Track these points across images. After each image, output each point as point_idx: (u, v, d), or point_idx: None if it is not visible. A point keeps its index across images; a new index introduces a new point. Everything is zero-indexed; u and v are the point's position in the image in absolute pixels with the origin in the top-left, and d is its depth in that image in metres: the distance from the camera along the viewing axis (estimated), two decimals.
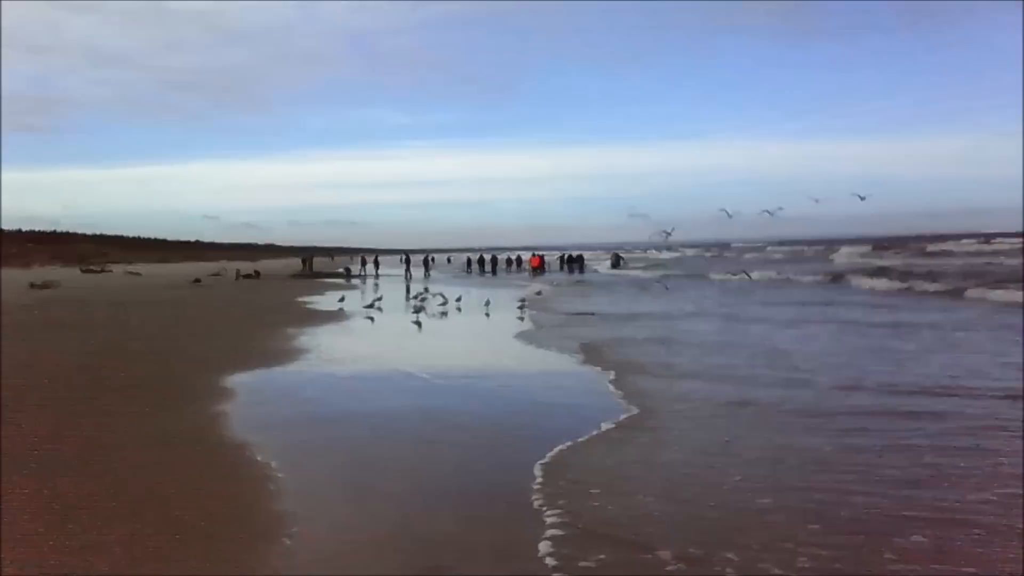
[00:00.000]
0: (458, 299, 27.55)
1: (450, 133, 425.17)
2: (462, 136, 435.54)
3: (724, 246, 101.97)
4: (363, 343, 17.85)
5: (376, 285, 47.15)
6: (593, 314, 23.43)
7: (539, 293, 31.69)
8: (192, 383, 12.02)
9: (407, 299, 27.96)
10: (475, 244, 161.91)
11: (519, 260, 70.44)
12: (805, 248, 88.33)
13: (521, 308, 25.02)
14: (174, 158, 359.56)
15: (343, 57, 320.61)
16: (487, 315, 24.50)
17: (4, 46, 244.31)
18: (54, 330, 19.17)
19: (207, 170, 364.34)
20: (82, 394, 11.01)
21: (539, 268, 59.56)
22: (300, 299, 32.77)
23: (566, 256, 69.05)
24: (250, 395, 11.21)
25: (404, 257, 63.72)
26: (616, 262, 68.05)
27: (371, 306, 25.35)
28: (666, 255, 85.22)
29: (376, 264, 59.44)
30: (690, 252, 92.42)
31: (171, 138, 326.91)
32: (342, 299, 29.38)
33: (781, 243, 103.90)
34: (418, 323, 22.14)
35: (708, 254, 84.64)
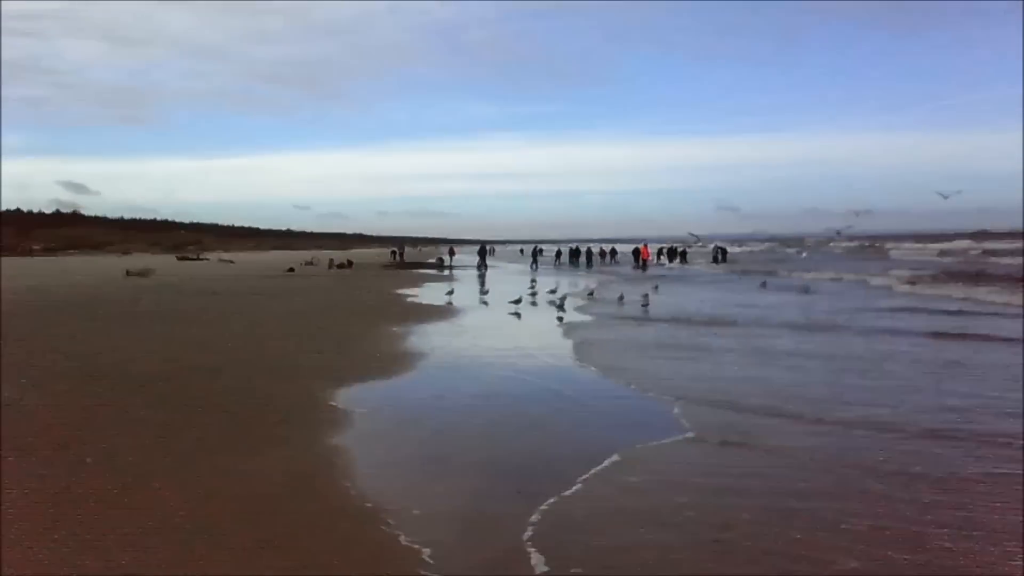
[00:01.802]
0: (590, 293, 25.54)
1: (536, 125, 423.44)
2: (548, 128, 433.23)
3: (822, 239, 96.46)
4: (488, 345, 15.20)
5: (482, 276, 45.07)
6: (736, 322, 20.25)
7: (655, 288, 28.64)
8: (293, 400, 9.64)
9: (528, 294, 25.37)
10: (561, 236, 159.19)
11: (613, 252, 67.86)
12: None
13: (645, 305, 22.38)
14: (265, 149, 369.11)
15: (429, 50, 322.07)
16: (644, 307, 22.08)
17: (102, 40, 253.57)
18: (141, 325, 17.26)
19: (297, 161, 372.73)
20: (155, 419, 8.70)
21: (646, 261, 56.32)
22: (399, 291, 30.64)
23: (667, 248, 65.85)
24: (366, 422, 8.72)
25: (480, 248, 60.35)
26: (716, 256, 64.04)
27: (518, 301, 22.88)
28: (756, 247, 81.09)
29: (482, 254, 56.21)
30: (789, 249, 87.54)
31: (262, 130, 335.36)
32: (451, 292, 27.09)
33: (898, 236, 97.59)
34: (560, 318, 19.84)
35: (795, 249, 79.21)
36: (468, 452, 7.49)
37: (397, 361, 12.91)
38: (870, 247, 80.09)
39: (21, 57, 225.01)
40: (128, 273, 39.85)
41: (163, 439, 7.62)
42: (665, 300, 24.95)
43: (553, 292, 24.73)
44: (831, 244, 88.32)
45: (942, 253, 64.54)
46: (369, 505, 5.91)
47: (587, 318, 20.27)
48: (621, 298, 24.74)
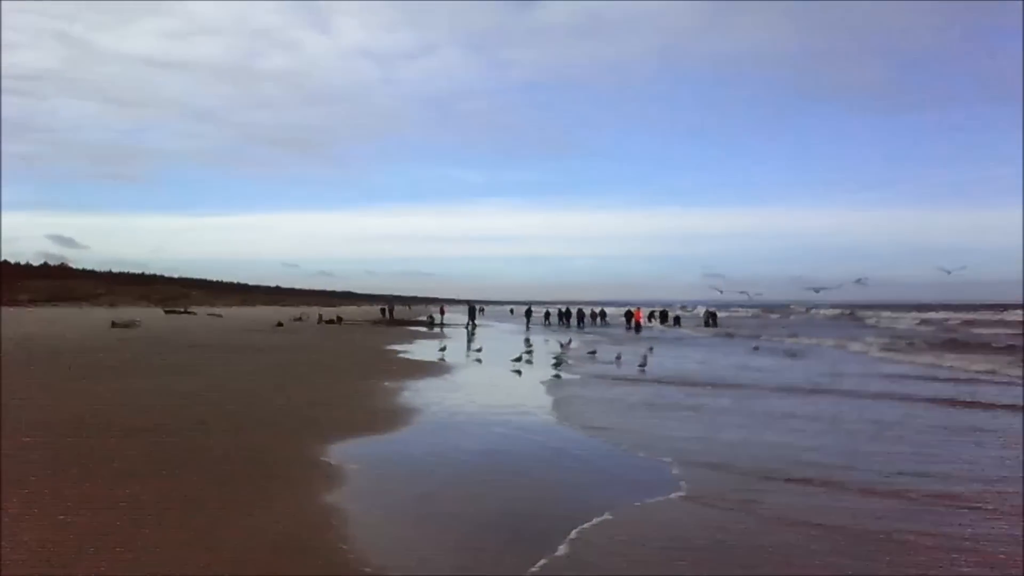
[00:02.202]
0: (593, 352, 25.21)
1: (525, 192, 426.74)
2: (537, 195, 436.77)
3: (813, 307, 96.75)
4: (483, 402, 14.67)
5: (471, 334, 44.61)
6: (734, 384, 19.81)
7: (651, 350, 28.18)
8: (285, 456, 9.09)
9: (525, 352, 25.14)
10: (549, 298, 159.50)
11: (603, 314, 67.84)
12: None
13: (641, 366, 21.97)
14: (255, 209, 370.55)
15: (419, 119, 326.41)
16: (641, 367, 21.65)
17: (96, 100, 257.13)
18: (124, 376, 16.66)
19: (287, 221, 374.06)
20: (136, 474, 8.14)
21: (640, 324, 55.95)
22: (390, 347, 30.11)
23: (659, 312, 65.95)
24: (360, 479, 8.18)
25: (470, 308, 61.05)
26: (708, 320, 64.06)
27: (519, 359, 23.01)
28: (742, 312, 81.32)
29: (471, 313, 56.73)
30: (774, 316, 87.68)
31: (253, 190, 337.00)
32: (443, 349, 26.63)
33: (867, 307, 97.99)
34: (557, 375, 19.38)
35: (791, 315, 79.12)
36: (465, 512, 6.98)
37: (390, 417, 12.37)
38: (849, 315, 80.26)
39: (16, 115, 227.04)
40: (114, 324, 39.22)
41: (141, 501, 7.06)
42: (661, 361, 24.47)
43: (557, 353, 24.33)
44: (811, 312, 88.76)
45: (922, 322, 64.70)
46: (368, 571, 5.38)
47: (582, 377, 19.76)
48: (619, 358, 24.34)
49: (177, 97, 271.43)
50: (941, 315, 74.22)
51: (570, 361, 23.27)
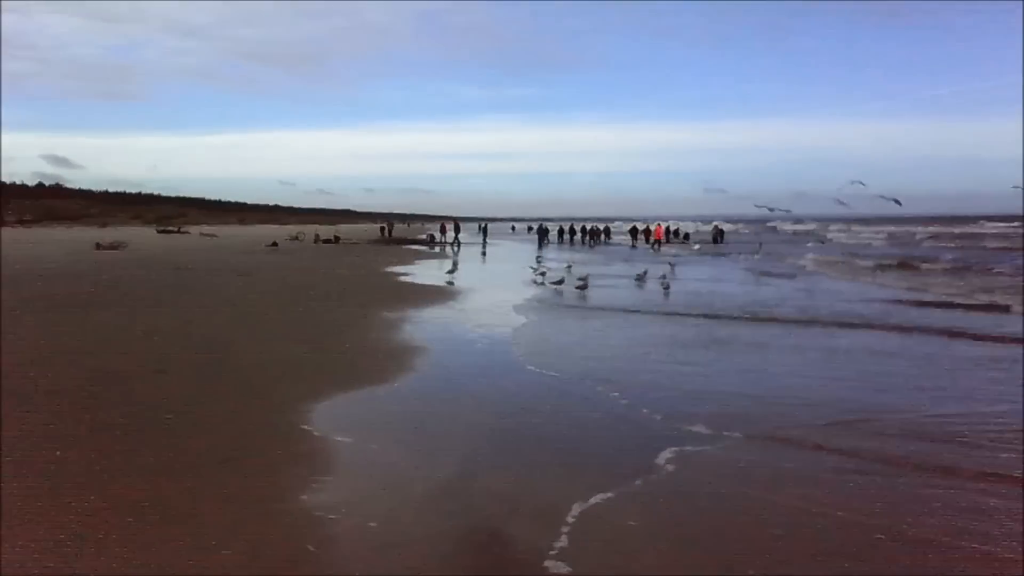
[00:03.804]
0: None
1: (525, 107, 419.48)
2: (536, 110, 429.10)
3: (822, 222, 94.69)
4: (502, 336, 12.67)
5: (484, 254, 42.76)
6: (767, 316, 17.86)
7: (671, 268, 26.15)
8: (255, 422, 7.14)
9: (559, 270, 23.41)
10: (549, 214, 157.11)
11: (607, 231, 66.68)
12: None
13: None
14: (251, 127, 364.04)
15: (415, 32, 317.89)
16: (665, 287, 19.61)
17: (82, 15, 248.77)
18: (89, 307, 14.67)
19: (283, 139, 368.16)
20: (41, 448, 6.20)
21: (661, 239, 54.49)
22: (389, 269, 28.06)
23: (677, 230, 64.28)
24: (350, 459, 6.25)
25: (483, 227, 62.15)
26: (716, 237, 62.36)
27: (560, 281, 21.37)
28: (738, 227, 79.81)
29: (456, 230, 55.33)
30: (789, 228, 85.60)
31: (248, 108, 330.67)
32: (452, 270, 24.57)
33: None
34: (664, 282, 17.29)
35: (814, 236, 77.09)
36: (489, 509, 5.05)
37: (390, 359, 10.40)
38: (815, 231, 78.35)
39: (3, 32, 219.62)
40: (98, 246, 37.13)
41: (45, 496, 5.12)
42: (678, 285, 22.42)
43: (580, 277, 22.28)
44: (776, 228, 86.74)
45: (890, 237, 63.30)
46: None
47: (607, 309, 17.79)
48: (639, 277, 22.86)
49: (165, 11, 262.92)
50: (913, 229, 73.16)
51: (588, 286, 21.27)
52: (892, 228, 77.04)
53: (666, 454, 6.38)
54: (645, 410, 7.81)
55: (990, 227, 73.41)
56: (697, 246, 52.35)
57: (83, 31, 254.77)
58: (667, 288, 20.76)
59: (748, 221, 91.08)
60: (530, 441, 6.82)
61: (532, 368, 9.91)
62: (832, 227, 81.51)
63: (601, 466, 6.12)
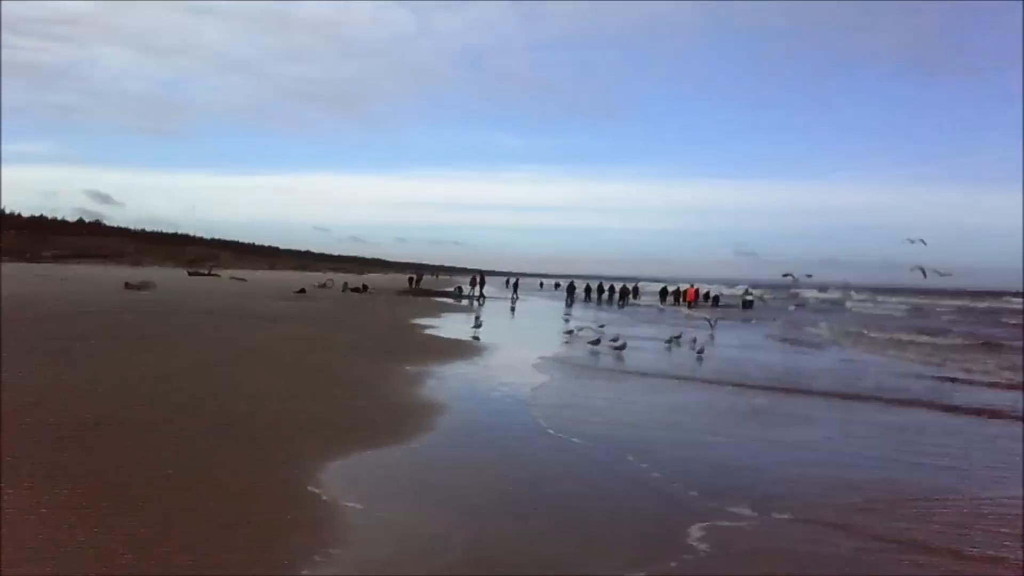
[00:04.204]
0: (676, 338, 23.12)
1: (560, 158, 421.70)
2: (570, 162, 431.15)
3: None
4: (527, 397, 12.14)
5: (513, 309, 42.41)
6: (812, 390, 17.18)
7: (711, 335, 25.44)
8: (259, 480, 6.66)
9: (570, 333, 22.95)
10: (578, 271, 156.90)
11: (636, 290, 66.19)
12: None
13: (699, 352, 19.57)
14: (289, 168, 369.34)
15: (457, 75, 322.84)
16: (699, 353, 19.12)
17: (133, 48, 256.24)
18: (107, 349, 14.39)
19: (320, 182, 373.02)
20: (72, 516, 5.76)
21: (694, 301, 54.40)
22: (415, 321, 27.69)
23: (708, 293, 63.51)
24: (362, 534, 5.72)
25: (513, 282, 62.87)
26: (747, 303, 61.29)
27: (597, 342, 20.69)
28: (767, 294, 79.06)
29: (481, 283, 55.29)
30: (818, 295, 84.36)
31: (286, 148, 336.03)
32: (478, 325, 24.14)
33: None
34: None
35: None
36: None
37: (408, 416, 9.92)
38: (838, 300, 76.88)
39: (56, 63, 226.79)
40: (127, 286, 37.34)
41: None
42: (711, 351, 21.77)
43: (612, 338, 21.74)
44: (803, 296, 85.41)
45: (914, 309, 61.86)
46: None
47: (637, 375, 17.21)
48: (670, 341, 22.42)
49: (212, 45, 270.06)
50: (945, 302, 71.60)
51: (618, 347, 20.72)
52: (918, 300, 75.41)
53: (698, 531, 5.82)
54: (677, 484, 7.22)
55: (1016, 302, 71.80)
56: (737, 312, 51.64)
57: (136, 64, 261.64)
58: (701, 353, 20.11)
59: (775, 287, 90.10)
60: (556, 515, 6.26)
61: (558, 434, 9.37)
62: (856, 296, 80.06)
63: (632, 544, 5.55)
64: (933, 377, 17.69)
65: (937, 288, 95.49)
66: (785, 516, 6.46)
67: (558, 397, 12.49)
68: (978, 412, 12.67)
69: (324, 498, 6.30)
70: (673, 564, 5.25)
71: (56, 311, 20.86)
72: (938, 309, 61.75)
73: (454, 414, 10.34)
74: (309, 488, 6.53)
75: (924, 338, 29.15)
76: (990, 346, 26.51)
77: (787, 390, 14.46)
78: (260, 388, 11.19)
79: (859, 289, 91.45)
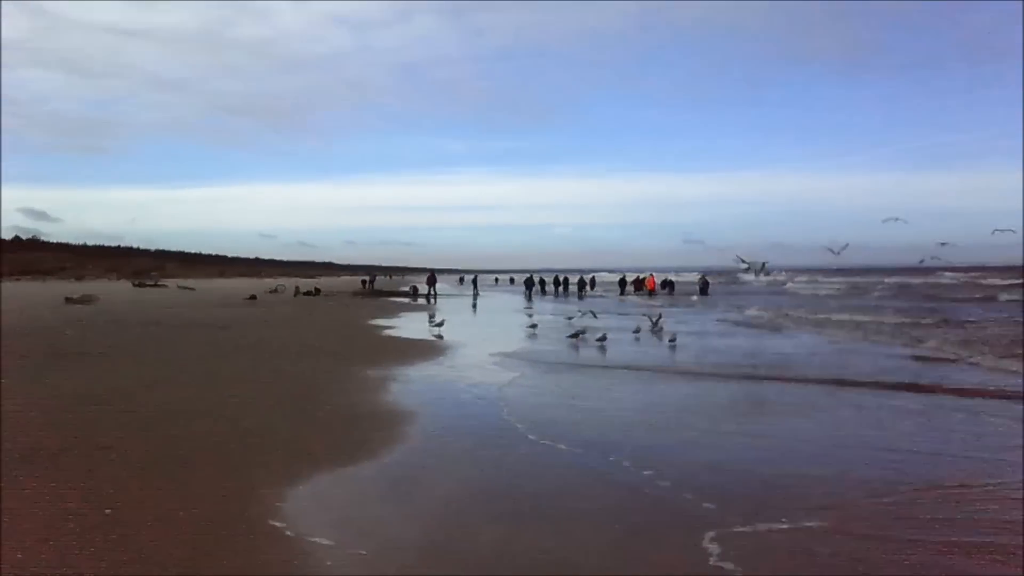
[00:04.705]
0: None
1: (504, 160, 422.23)
2: (516, 163, 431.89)
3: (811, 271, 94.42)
4: (502, 396, 11.33)
5: (474, 306, 41.51)
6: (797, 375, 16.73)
7: (660, 317, 24.85)
8: (220, 509, 5.76)
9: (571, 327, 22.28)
10: (530, 266, 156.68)
11: (592, 281, 66.46)
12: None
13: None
14: (231, 180, 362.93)
15: (396, 87, 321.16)
16: (671, 342, 18.34)
17: (63, 71, 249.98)
18: (36, 369, 13.22)
19: (263, 192, 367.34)
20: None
21: (653, 291, 54.72)
22: (372, 322, 26.72)
23: (665, 280, 63.43)
24: (336, 567, 4.88)
25: (472, 279, 63.58)
26: (704, 287, 61.47)
27: (576, 335, 20.23)
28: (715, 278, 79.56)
29: (432, 282, 54.56)
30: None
31: (229, 161, 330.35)
32: (440, 324, 23.23)
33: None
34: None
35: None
36: None
37: (375, 428, 9.05)
38: (781, 283, 78.15)
39: None
40: (68, 300, 35.55)
41: None
42: (686, 340, 21.23)
43: (581, 330, 21.09)
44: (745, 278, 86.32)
45: (852, 288, 62.85)
46: None
47: (615, 368, 16.53)
48: (637, 331, 21.97)
49: (145, 66, 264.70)
50: (886, 279, 72.84)
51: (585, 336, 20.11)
52: (858, 279, 76.28)
53: (717, 548, 5.10)
54: (688, 494, 6.49)
55: (949, 277, 73.23)
56: (695, 297, 51.53)
57: (64, 86, 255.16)
58: (673, 342, 19.56)
59: (722, 272, 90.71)
60: (558, 540, 5.48)
61: (541, 440, 8.56)
62: (798, 278, 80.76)
63: (653, 570, 4.80)
64: (909, 357, 17.34)
65: (874, 267, 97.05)
66: (822, 524, 5.76)
67: (533, 397, 11.72)
68: (979, 393, 12.17)
69: (288, 533, 5.43)
70: None
71: None
72: (878, 288, 62.32)
73: (424, 422, 9.50)
74: (270, 522, 5.65)
75: (890, 318, 29.04)
76: (949, 323, 26.48)
77: (773, 378, 13.87)
78: (209, 405, 10.20)
79: (801, 271, 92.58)
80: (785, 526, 5.74)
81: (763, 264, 36.46)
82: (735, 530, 5.61)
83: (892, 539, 5.47)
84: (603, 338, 19.32)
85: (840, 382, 13.32)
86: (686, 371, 14.70)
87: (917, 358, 17.07)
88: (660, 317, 23.83)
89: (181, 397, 10.68)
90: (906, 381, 13.36)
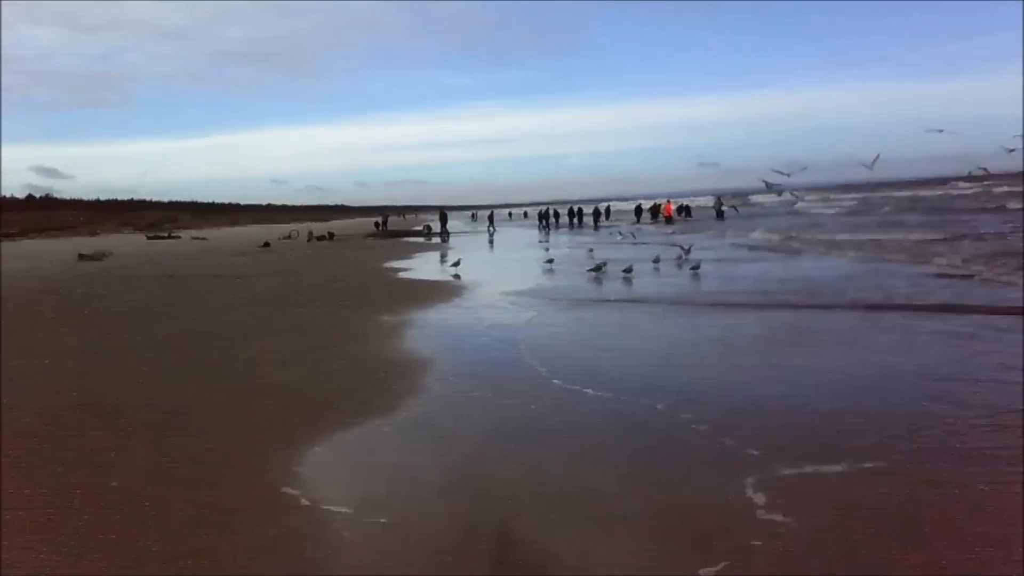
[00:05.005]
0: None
1: (513, 92, 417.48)
2: (525, 94, 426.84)
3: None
4: (528, 338, 10.89)
5: (491, 242, 41.11)
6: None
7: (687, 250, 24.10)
8: (234, 475, 5.40)
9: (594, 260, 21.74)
10: (544, 198, 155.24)
11: (608, 211, 65.52)
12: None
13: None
14: (239, 127, 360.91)
15: (397, 25, 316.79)
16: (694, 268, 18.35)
17: (61, 27, 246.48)
18: (57, 327, 12.93)
19: (272, 138, 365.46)
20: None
21: (671, 217, 54.00)
22: (387, 264, 26.29)
23: (682, 206, 62.55)
24: (356, 539, 4.53)
25: (488, 214, 62.80)
26: (719, 211, 60.65)
27: (598, 268, 19.64)
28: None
29: (444, 220, 54.25)
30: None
31: (235, 109, 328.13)
32: (456, 263, 22.71)
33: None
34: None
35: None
36: None
37: (392, 378, 8.66)
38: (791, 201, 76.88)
39: None
40: (81, 257, 35.33)
41: None
42: (707, 269, 20.64)
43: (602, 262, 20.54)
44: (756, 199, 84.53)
45: (863, 204, 61.60)
46: None
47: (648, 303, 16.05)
48: (656, 261, 21.55)
49: (143, 17, 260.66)
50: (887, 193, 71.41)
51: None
52: (867, 194, 74.68)
53: (761, 497, 4.67)
54: (730, 441, 6.05)
55: (964, 186, 71.66)
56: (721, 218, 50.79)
57: (65, 41, 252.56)
58: (696, 269, 19.05)
59: (737, 194, 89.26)
60: (596, 501, 5.08)
61: (568, 385, 8.13)
62: (809, 197, 79.25)
63: (696, 528, 4.40)
64: (935, 276, 16.73)
65: (888, 180, 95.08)
66: (877, 465, 5.33)
67: (555, 337, 11.30)
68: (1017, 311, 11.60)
69: (304, 502, 5.06)
70: (753, 544, 4.10)
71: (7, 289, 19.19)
72: (889, 203, 61.05)
73: (443, 368, 9.10)
74: (284, 490, 5.29)
75: (907, 235, 28.25)
76: (967, 237, 25.70)
77: (805, 306, 13.35)
78: (221, 360, 9.87)
79: (816, 189, 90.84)
80: (838, 469, 5.31)
81: (788, 176, 35.64)
82: (782, 473, 5.18)
83: (950, 480, 5.03)
84: (629, 270, 18.82)
85: (873, 307, 12.78)
86: (715, 302, 14.18)
87: (942, 276, 16.47)
88: (691, 246, 23.17)
89: (188, 356, 10.34)
90: (940, 302, 12.79)
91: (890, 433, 6.03)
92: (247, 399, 7.77)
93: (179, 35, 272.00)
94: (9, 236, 72.94)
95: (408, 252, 33.95)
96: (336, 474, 5.66)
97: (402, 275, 22.29)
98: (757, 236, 32.62)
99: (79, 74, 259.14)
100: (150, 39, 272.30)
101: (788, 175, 31.52)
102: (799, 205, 68.97)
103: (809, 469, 5.33)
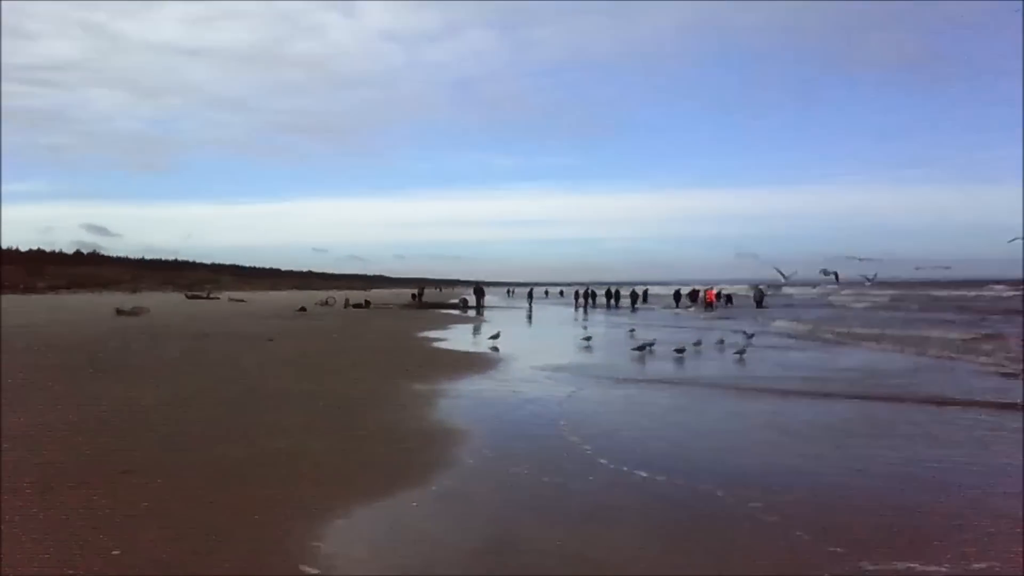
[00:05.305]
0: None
1: (556, 176, 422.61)
2: (568, 178, 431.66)
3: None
4: (571, 418, 10.22)
5: (529, 317, 40.58)
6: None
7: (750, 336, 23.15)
8: (249, 549, 4.81)
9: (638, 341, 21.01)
10: (582, 279, 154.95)
11: (645, 294, 64.93)
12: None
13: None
14: (285, 196, 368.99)
15: (449, 103, 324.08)
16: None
17: (124, 90, 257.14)
18: (84, 380, 12.56)
19: (316, 208, 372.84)
20: None
21: (711, 303, 53.60)
22: (421, 334, 25.86)
23: (720, 292, 61.77)
24: None
25: (528, 291, 63.23)
26: (760, 299, 59.63)
27: (643, 348, 18.86)
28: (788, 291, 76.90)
29: (480, 294, 54.01)
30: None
31: (283, 177, 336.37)
32: (496, 336, 22.18)
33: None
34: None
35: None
36: None
37: (423, 448, 8.06)
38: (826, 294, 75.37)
39: (45, 106, 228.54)
40: (118, 312, 35.50)
41: None
42: (755, 356, 19.85)
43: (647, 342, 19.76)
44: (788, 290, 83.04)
45: (892, 300, 60.04)
46: None
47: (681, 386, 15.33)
48: (698, 343, 20.66)
49: (203, 85, 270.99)
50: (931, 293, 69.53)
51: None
52: (894, 291, 72.97)
53: None
54: (804, 534, 5.33)
55: (999, 289, 69.93)
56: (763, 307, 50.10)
57: (126, 104, 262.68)
58: (742, 354, 18.31)
59: (770, 284, 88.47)
60: None
61: (615, 465, 7.44)
62: (844, 291, 77.71)
63: None
64: (994, 374, 15.79)
65: (928, 280, 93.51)
66: (976, 566, 4.58)
67: (599, 414, 10.63)
68: None
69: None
70: None
71: (31, 342, 19.03)
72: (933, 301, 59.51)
73: (477, 441, 8.46)
74: (302, 568, 4.67)
75: (947, 332, 27.14)
76: (1007, 337, 24.51)
77: (860, 396, 12.52)
78: (245, 423, 9.34)
79: (848, 284, 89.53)
80: (937, 569, 4.57)
81: (795, 272, 35.38)
82: (866, 569, 4.47)
83: None
84: (682, 350, 18.19)
85: (937, 401, 11.95)
86: (765, 388, 13.40)
87: (1004, 375, 15.53)
88: (753, 335, 22.40)
89: (211, 415, 9.84)
90: (1007, 400, 11.94)
91: (965, 529, 5.29)
92: (266, 465, 7.21)
93: (235, 104, 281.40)
94: (53, 289, 74.35)
95: (444, 323, 33.56)
96: (359, 553, 5.04)
97: (436, 345, 21.81)
98: (797, 326, 31.68)
99: (136, 137, 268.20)
100: (207, 107, 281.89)
101: (787, 277, 31.20)
102: (831, 298, 67.81)
103: (901, 566, 4.60)
